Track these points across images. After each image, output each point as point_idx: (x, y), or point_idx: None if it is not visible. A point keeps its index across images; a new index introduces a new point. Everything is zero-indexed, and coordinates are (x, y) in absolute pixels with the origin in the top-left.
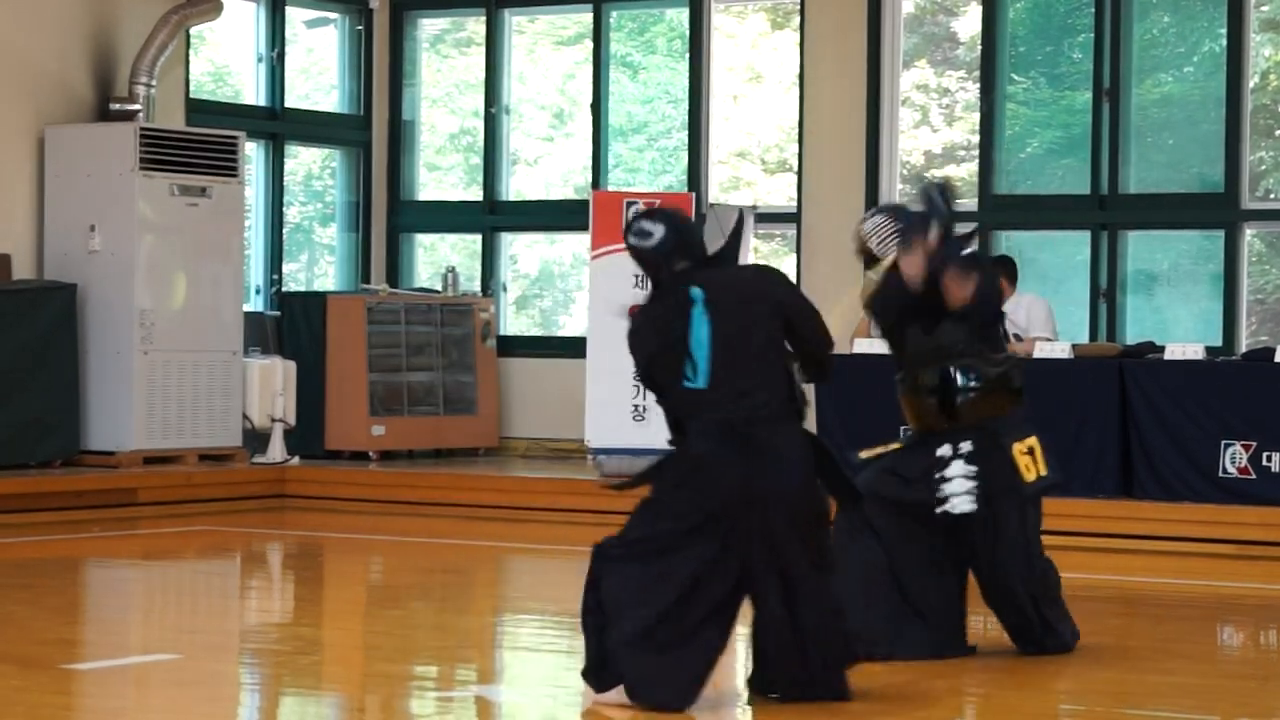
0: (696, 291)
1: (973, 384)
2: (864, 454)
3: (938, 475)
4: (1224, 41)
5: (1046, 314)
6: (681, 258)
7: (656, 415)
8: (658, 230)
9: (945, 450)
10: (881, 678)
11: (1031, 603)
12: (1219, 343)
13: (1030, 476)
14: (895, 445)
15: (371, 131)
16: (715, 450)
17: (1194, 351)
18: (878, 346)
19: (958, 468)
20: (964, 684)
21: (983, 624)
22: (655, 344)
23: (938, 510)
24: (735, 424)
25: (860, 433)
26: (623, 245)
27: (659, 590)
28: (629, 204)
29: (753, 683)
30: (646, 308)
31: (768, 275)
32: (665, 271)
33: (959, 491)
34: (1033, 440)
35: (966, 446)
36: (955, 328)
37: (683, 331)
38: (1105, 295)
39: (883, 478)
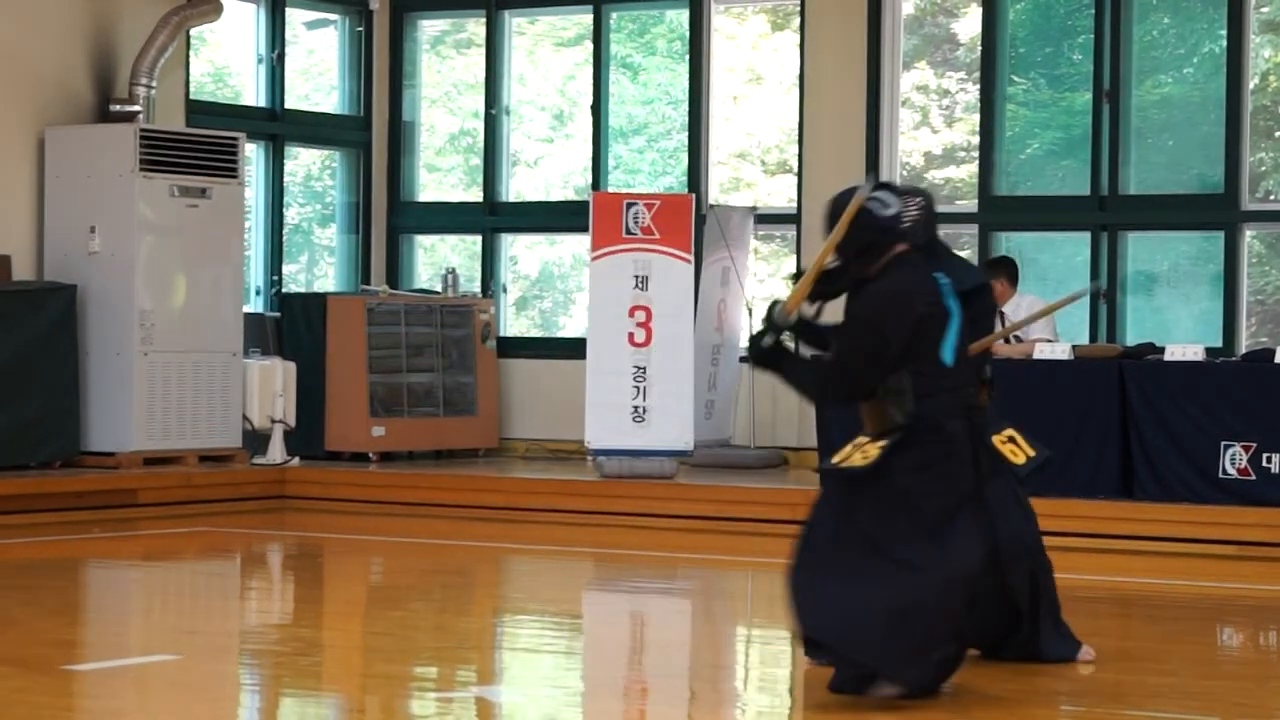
0: (944, 280)
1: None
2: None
3: None
4: (1224, 43)
5: (1048, 316)
6: (903, 240)
7: (657, 416)
8: (895, 206)
9: None
10: None
11: (1031, 583)
12: (1219, 344)
13: (1019, 460)
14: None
15: (371, 132)
16: (959, 431)
17: (1194, 353)
18: None
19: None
20: (967, 682)
21: None
22: (924, 309)
23: None
24: (971, 407)
25: (855, 431)
26: (622, 246)
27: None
28: (629, 205)
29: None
30: (899, 279)
31: (971, 271)
32: (881, 245)
33: None
34: (1010, 430)
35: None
36: None
37: (944, 312)
38: (1105, 296)
39: None
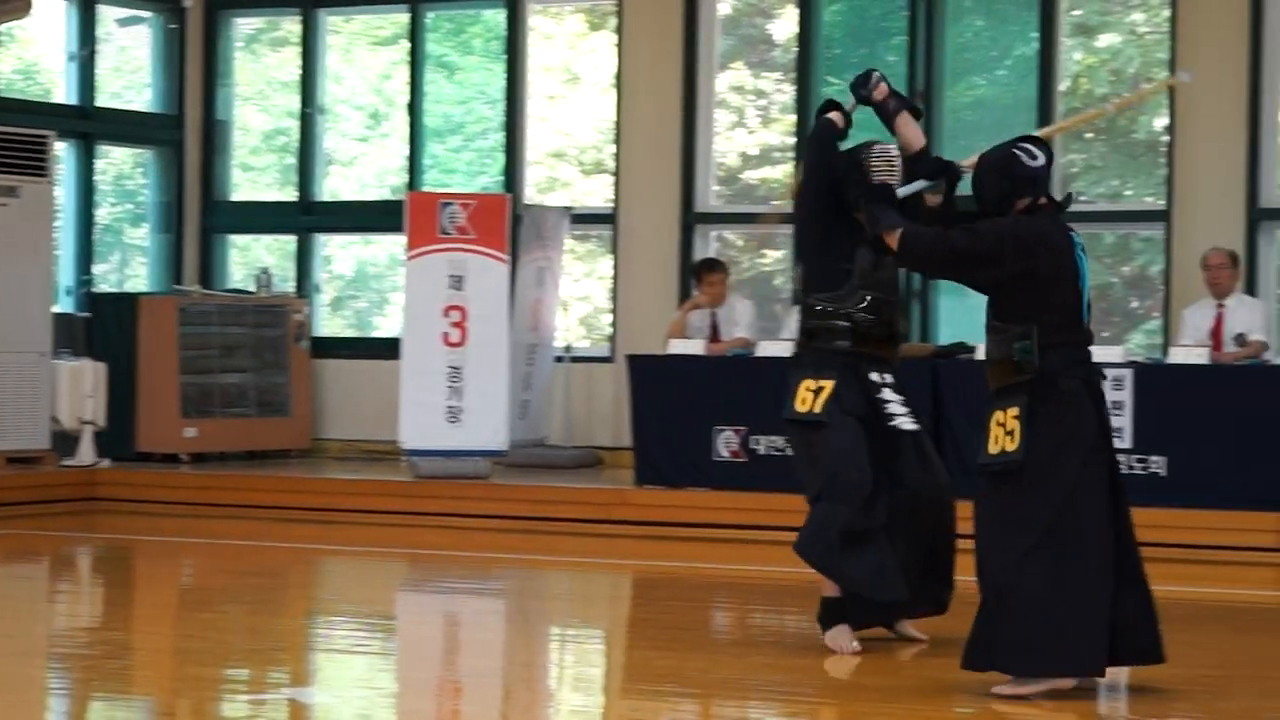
0: (1078, 238)
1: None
2: (800, 408)
3: (878, 397)
4: (1036, 45)
5: None
6: (1043, 194)
7: (471, 416)
8: (1043, 158)
9: (875, 376)
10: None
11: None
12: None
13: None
14: (827, 384)
15: (185, 131)
16: (1080, 388)
17: None
18: (691, 348)
19: (889, 394)
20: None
21: None
22: (1047, 259)
23: (887, 425)
24: (1093, 374)
25: (672, 430)
26: (438, 246)
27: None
28: (444, 205)
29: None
30: (1039, 222)
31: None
32: (1020, 195)
33: (901, 412)
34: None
35: (890, 378)
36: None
37: (1077, 269)
38: (918, 296)
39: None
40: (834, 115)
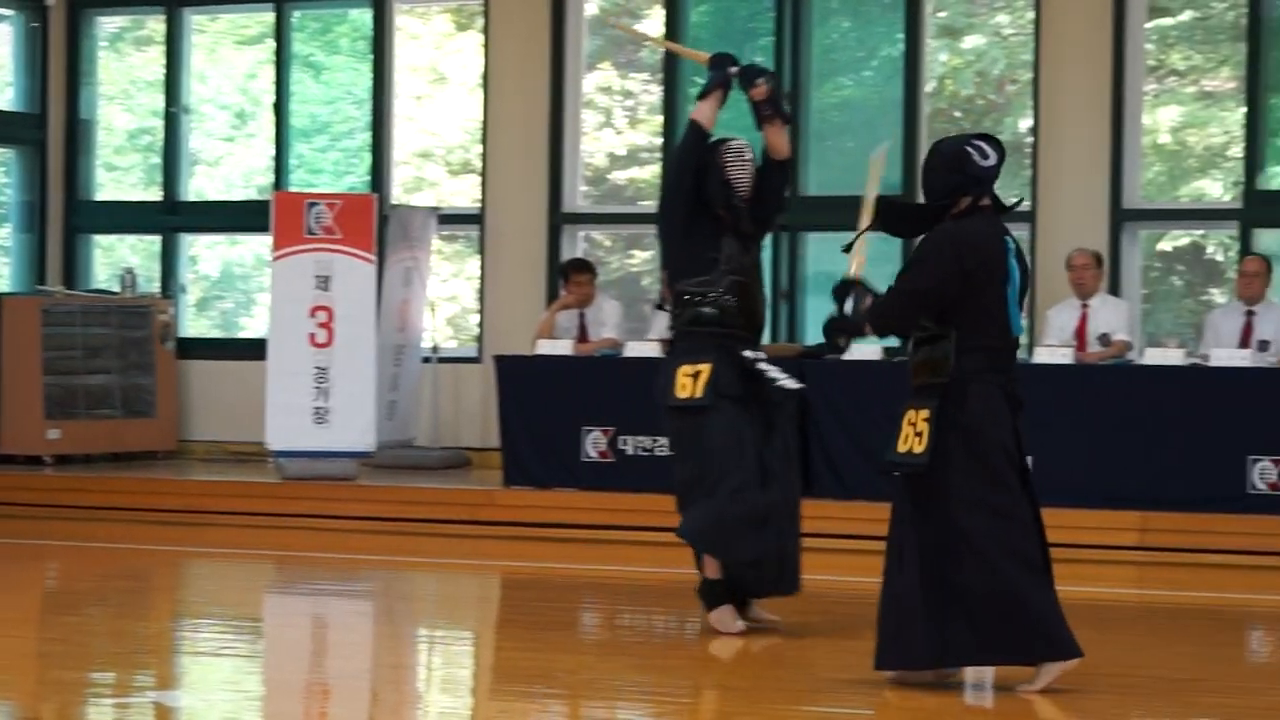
0: (1011, 242)
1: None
2: (680, 394)
3: (755, 369)
4: (902, 47)
5: None
6: (982, 192)
7: (338, 417)
8: (995, 157)
9: (749, 353)
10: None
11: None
12: (896, 343)
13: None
14: (704, 367)
15: (48, 130)
16: (995, 394)
17: (873, 352)
18: (559, 348)
19: (764, 364)
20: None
21: None
22: (975, 263)
23: (773, 386)
24: (1012, 383)
25: (540, 431)
26: (304, 246)
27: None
28: (310, 205)
29: None
30: (968, 226)
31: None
32: (967, 191)
33: (782, 376)
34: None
35: (762, 354)
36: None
37: (1006, 274)
38: (785, 296)
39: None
40: (705, 108)
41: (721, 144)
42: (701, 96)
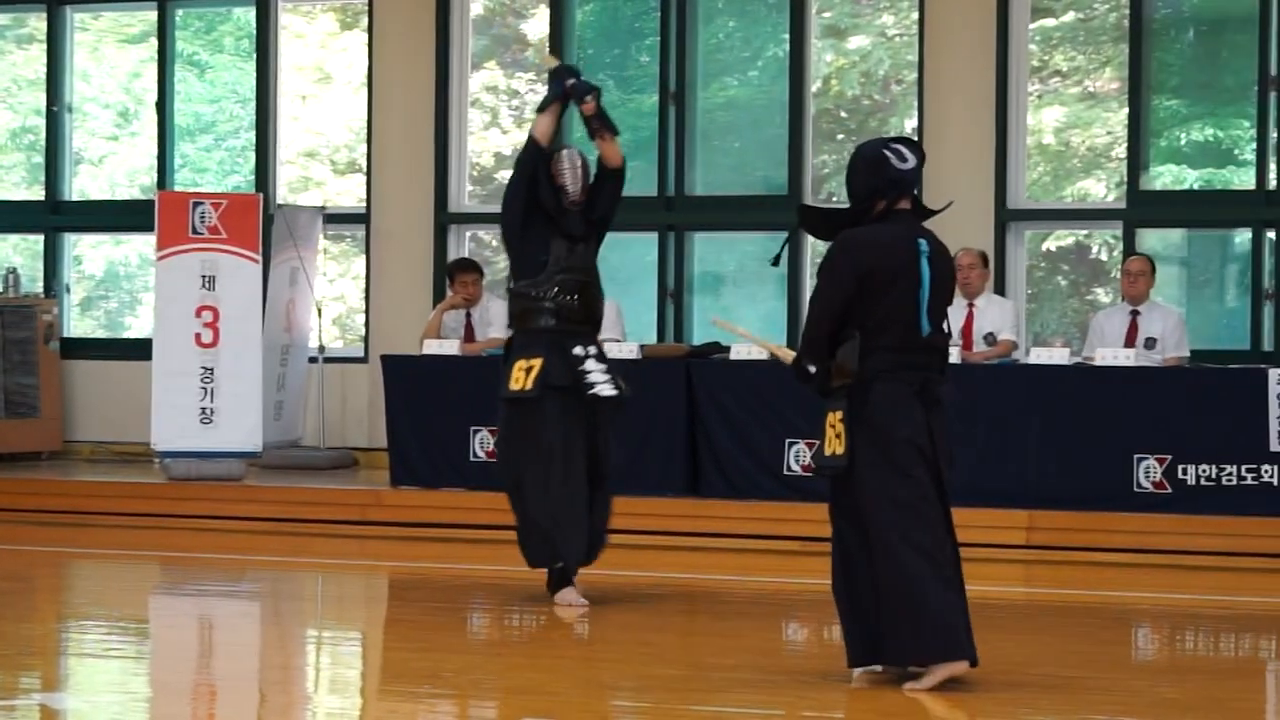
0: (924, 245)
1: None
2: (514, 386)
3: (580, 369)
4: (787, 47)
5: (616, 315)
6: (900, 195)
7: (224, 417)
8: (914, 160)
9: (579, 350)
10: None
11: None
12: (782, 342)
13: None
14: (536, 362)
15: None
16: (903, 392)
17: (756, 352)
18: (446, 348)
19: (592, 364)
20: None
21: None
22: (873, 263)
23: (588, 394)
24: (928, 382)
25: (428, 431)
26: (189, 246)
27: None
28: (195, 204)
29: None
30: (876, 229)
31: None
32: (884, 195)
33: (601, 380)
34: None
35: (594, 349)
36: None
37: (916, 277)
38: (673, 296)
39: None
40: (542, 122)
41: (555, 153)
42: (540, 110)
